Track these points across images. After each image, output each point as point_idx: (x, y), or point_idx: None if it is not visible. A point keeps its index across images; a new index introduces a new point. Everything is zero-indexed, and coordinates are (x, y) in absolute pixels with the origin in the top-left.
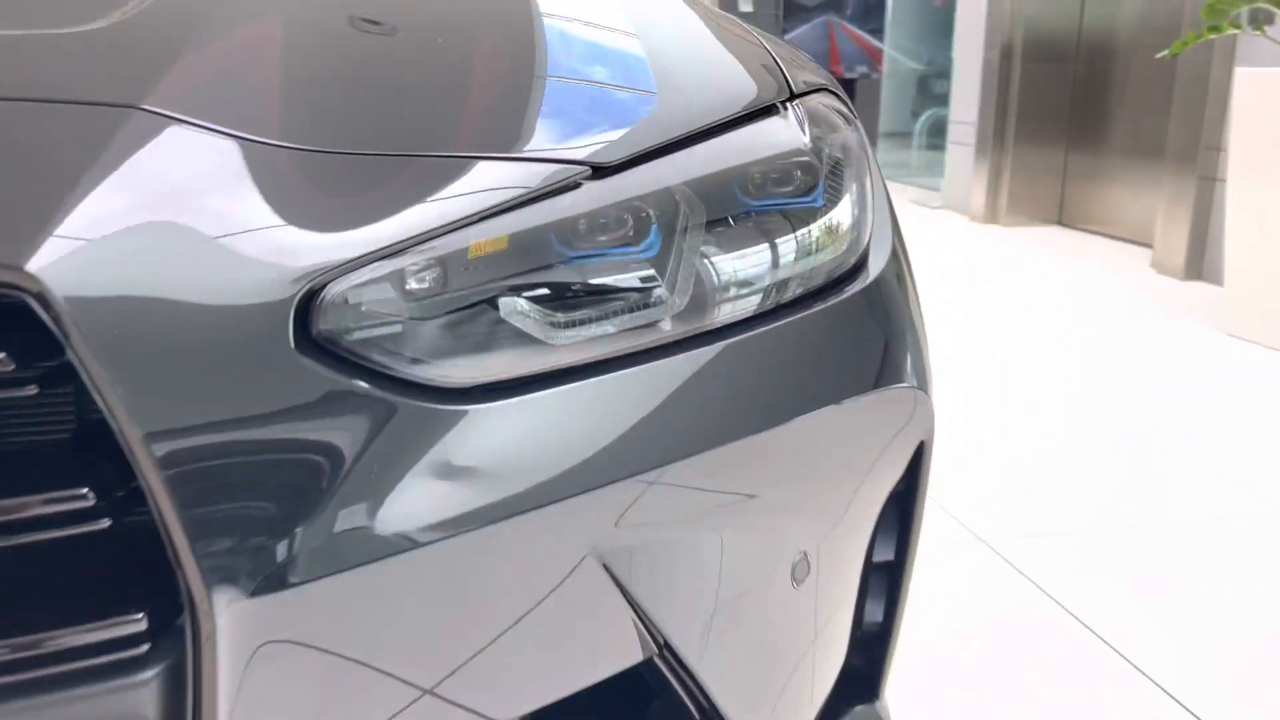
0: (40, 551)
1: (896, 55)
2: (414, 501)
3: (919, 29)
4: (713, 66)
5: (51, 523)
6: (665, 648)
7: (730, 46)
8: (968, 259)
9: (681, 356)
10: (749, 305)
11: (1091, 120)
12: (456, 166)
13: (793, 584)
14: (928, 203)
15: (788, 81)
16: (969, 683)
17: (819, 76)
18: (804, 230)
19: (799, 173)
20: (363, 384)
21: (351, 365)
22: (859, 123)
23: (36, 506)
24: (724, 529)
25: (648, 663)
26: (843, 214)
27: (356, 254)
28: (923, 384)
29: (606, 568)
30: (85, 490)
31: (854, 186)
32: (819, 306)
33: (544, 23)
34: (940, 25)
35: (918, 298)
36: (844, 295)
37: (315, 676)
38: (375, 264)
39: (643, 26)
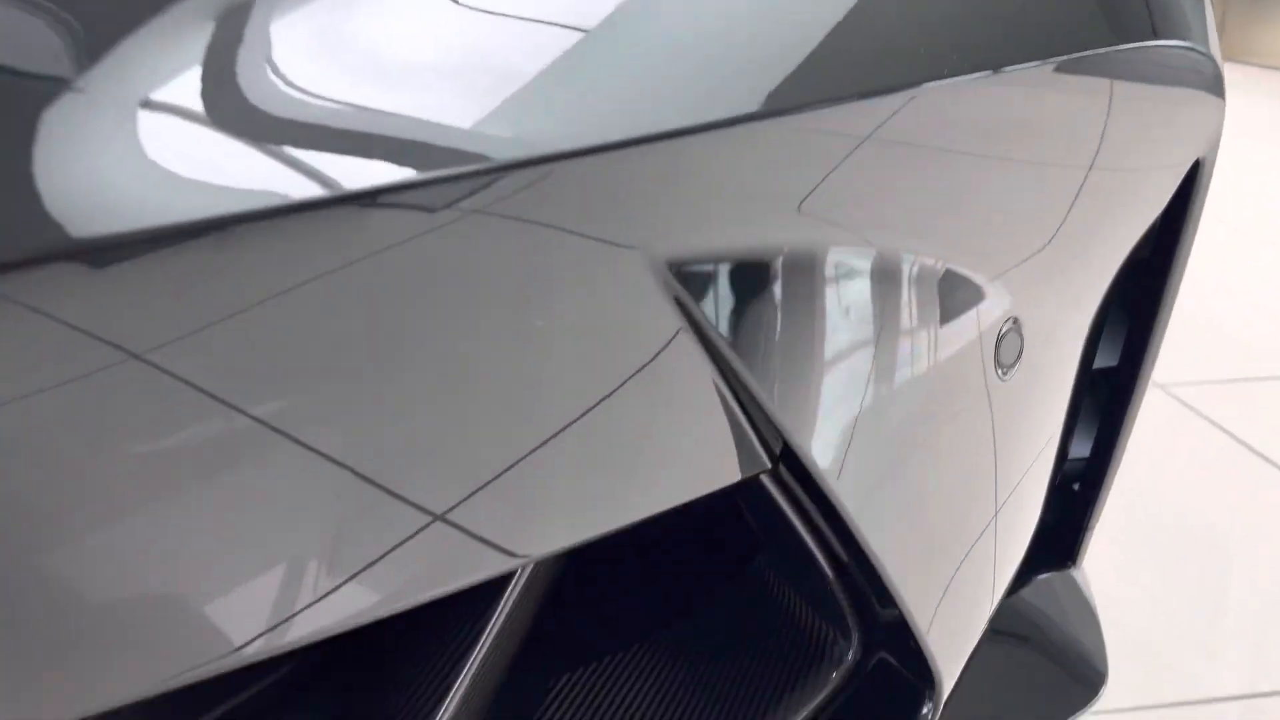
0: None
1: None
2: None
3: None
4: None
5: None
6: (781, 459)
7: None
8: None
9: None
10: None
11: None
12: None
13: (997, 371)
14: None
15: None
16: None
17: None
18: None
19: None
20: None
21: None
22: None
23: None
24: (907, 250)
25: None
26: None
27: None
28: (1209, 50)
29: (678, 300)
30: None
31: None
32: None
33: None
34: None
35: None
36: None
37: None
38: None
39: None
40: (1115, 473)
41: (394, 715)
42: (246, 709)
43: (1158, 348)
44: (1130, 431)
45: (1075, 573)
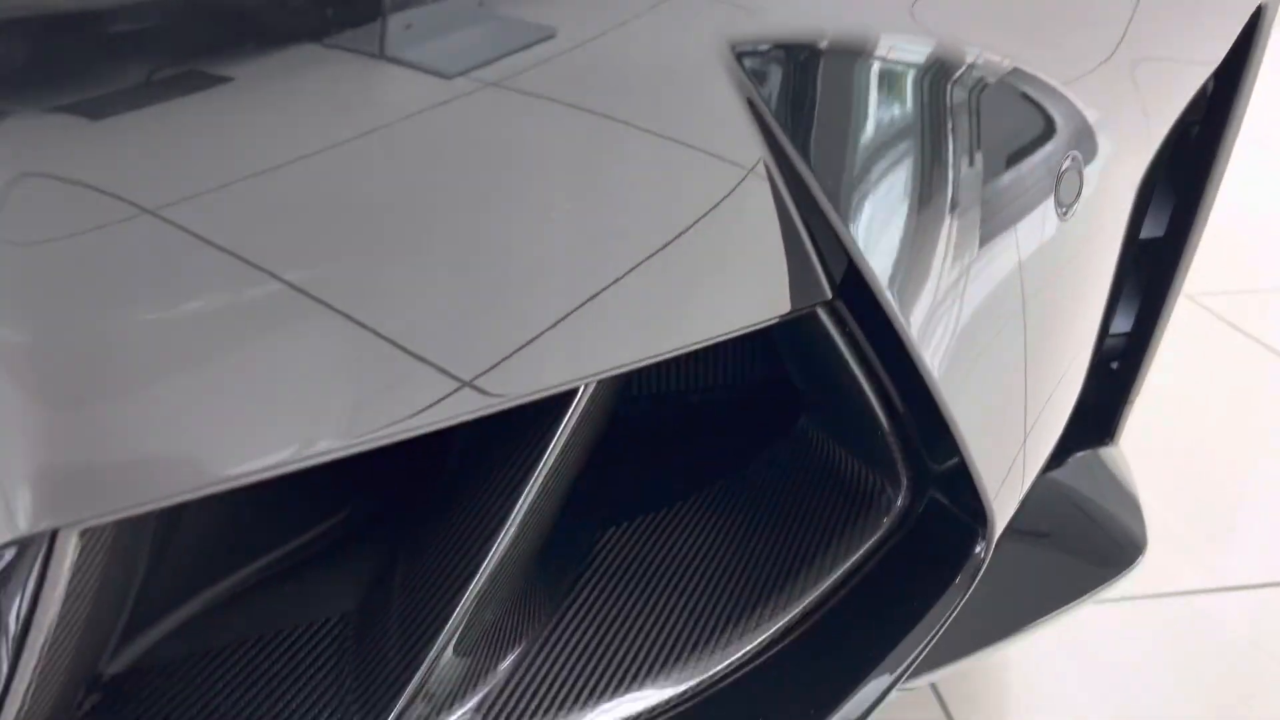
0: None
1: None
2: None
3: None
4: None
5: None
6: (844, 286)
7: None
8: None
9: None
10: None
11: None
12: None
13: (1058, 209)
14: None
15: None
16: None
17: None
18: None
19: None
20: None
21: None
22: None
23: None
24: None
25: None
26: None
27: None
28: None
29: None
30: None
31: None
32: None
33: None
34: None
35: None
36: None
37: None
38: None
39: None
40: (1155, 351)
41: (448, 551)
42: (318, 543)
43: (1205, 218)
44: (1172, 309)
45: (1114, 449)
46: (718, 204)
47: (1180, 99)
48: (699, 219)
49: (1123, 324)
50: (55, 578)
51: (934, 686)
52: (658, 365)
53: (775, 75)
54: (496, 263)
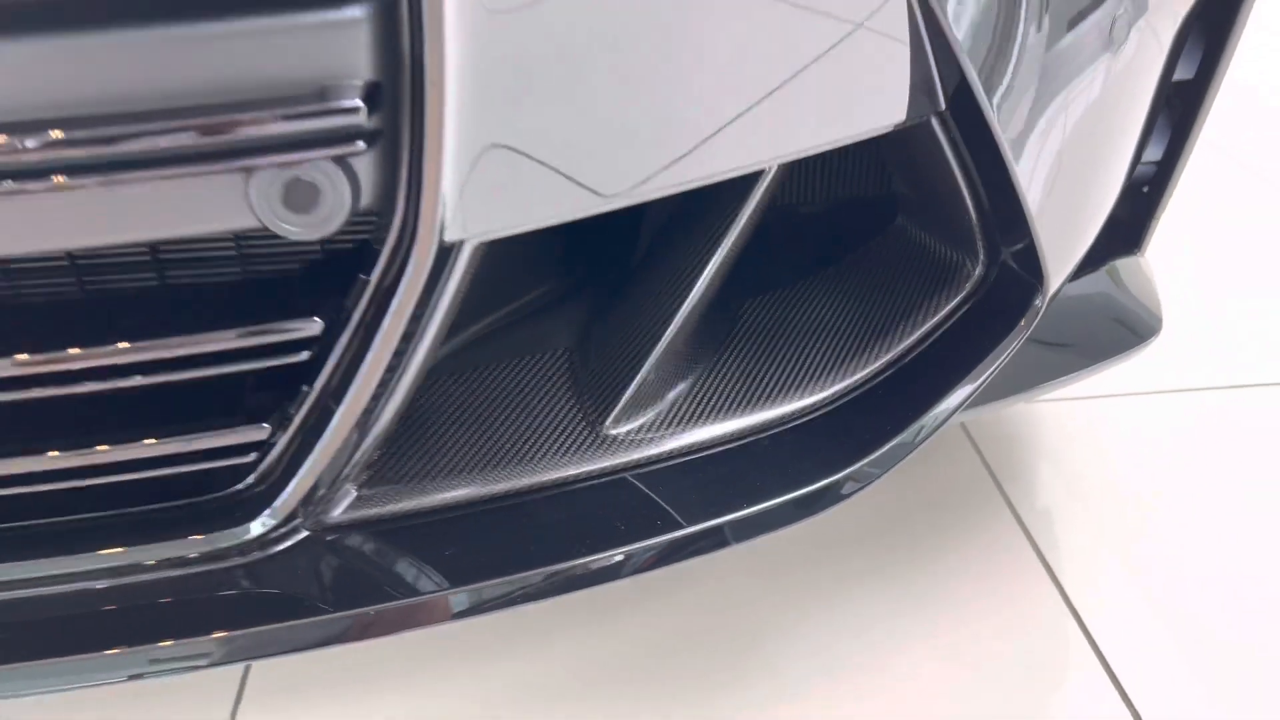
0: None
1: None
2: None
3: None
4: None
5: None
6: (956, 91)
7: None
8: None
9: None
10: None
11: None
12: None
13: (1110, 48)
14: None
15: None
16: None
17: None
18: None
19: None
20: None
21: None
22: None
23: None
24: None
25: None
26: None
27: None
28: None
29: None
30: None
31: None
32: None
33: None
34: None
35: None
36: None
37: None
38: None
39: None
40: (1179, 176)
41: (655, 297)
42: (542, 299)
43: (1228, 66)
44: (1195, 142)
45: (1140, 258)
46: (867, 21)
47: None
48: (849, 35)
49: (1154, 153)
50: (457, 283)
51: (987, 466)
52: (785, 181)
53: None
54: (705, 74)
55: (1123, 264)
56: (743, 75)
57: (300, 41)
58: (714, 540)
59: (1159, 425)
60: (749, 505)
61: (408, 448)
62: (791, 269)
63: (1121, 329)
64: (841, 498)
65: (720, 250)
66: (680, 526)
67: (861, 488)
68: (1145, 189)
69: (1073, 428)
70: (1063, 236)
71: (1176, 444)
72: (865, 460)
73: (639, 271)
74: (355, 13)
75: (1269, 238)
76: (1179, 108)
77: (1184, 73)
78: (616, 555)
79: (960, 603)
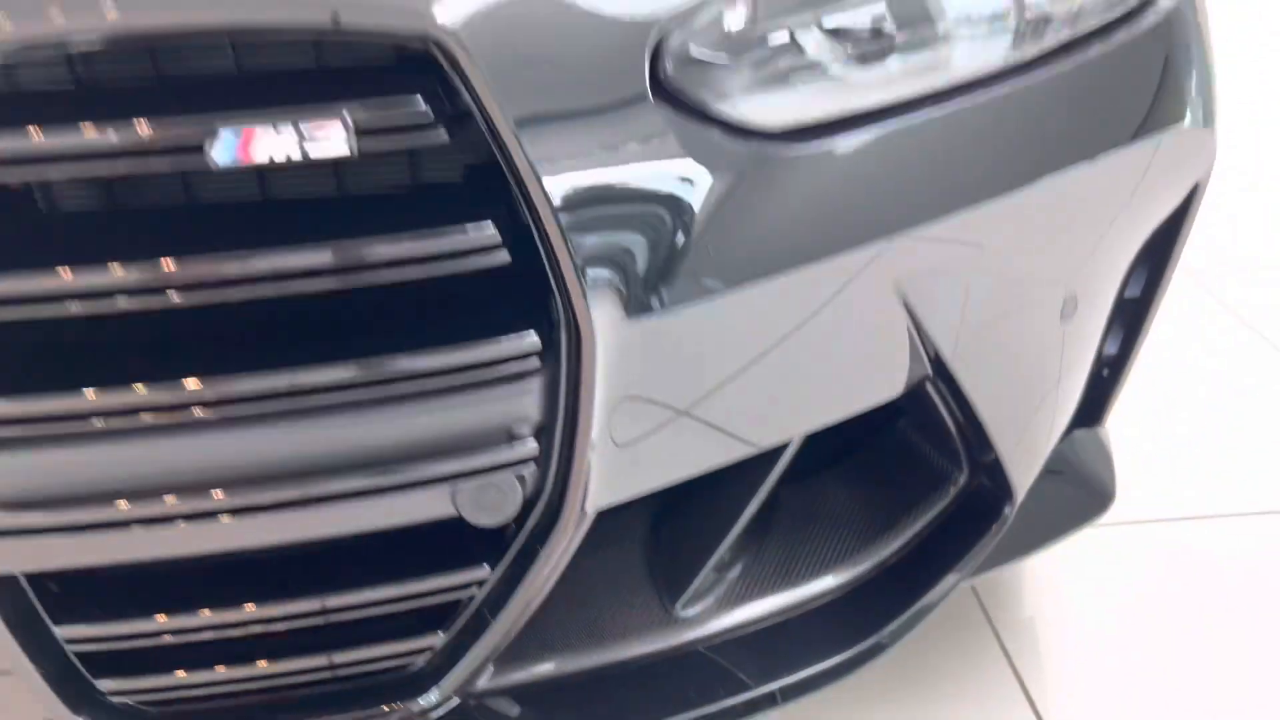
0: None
1: None
2: (753, 241)
3: None
4: None
5: (460, 256)
6: (937, 363)
7: None
8: None
9: (982, 94)
10: (1041, 43)
11: None
12: None
13: (1062, 321)
14: None
15: None
16: None
17: None
18: None
19: None
20: (706, 128)
21: (692, 110)
22: None
23: (450, 236)
24: (1006, 264)
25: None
26: None
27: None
28: (1208, 119)
29: (902, 297)
30: (488, 223)
31: None
32: (1108, 42)
33: None
34: None
35: (1207, 21)
36: (1136, 30)
37: (653, 370)
38: (705, 7)
39: None
40: (1135, 361)
41: (727, 497)
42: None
43: (1170, 280)
44: (1147, 335)
45: (1100, 430)
46: (877, 332)
47: (1145, 235)
48: (865, 342)
49: (1111, 347)
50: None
51: (974, 589)
52: None
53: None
54: (781, 374)
55: (1083, 435)
56: (797, 378)
57: (500, 407)
58: (768, 700)
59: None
60: (798, 670)
61: (527, 630)
62: (815, 452)
63: (1082, 497)
64: (869, 659)
65: (773, 474)
66: (744, 689)
67: (885, 650)
68: (1105, 372)
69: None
70: (1027, 456)
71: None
72: (888, 629)
73: (697, 487)
74: (536, 400)
75: (1210, 361)
76: (1131, 314)
77: (1133, 291)
78: (692, 715)
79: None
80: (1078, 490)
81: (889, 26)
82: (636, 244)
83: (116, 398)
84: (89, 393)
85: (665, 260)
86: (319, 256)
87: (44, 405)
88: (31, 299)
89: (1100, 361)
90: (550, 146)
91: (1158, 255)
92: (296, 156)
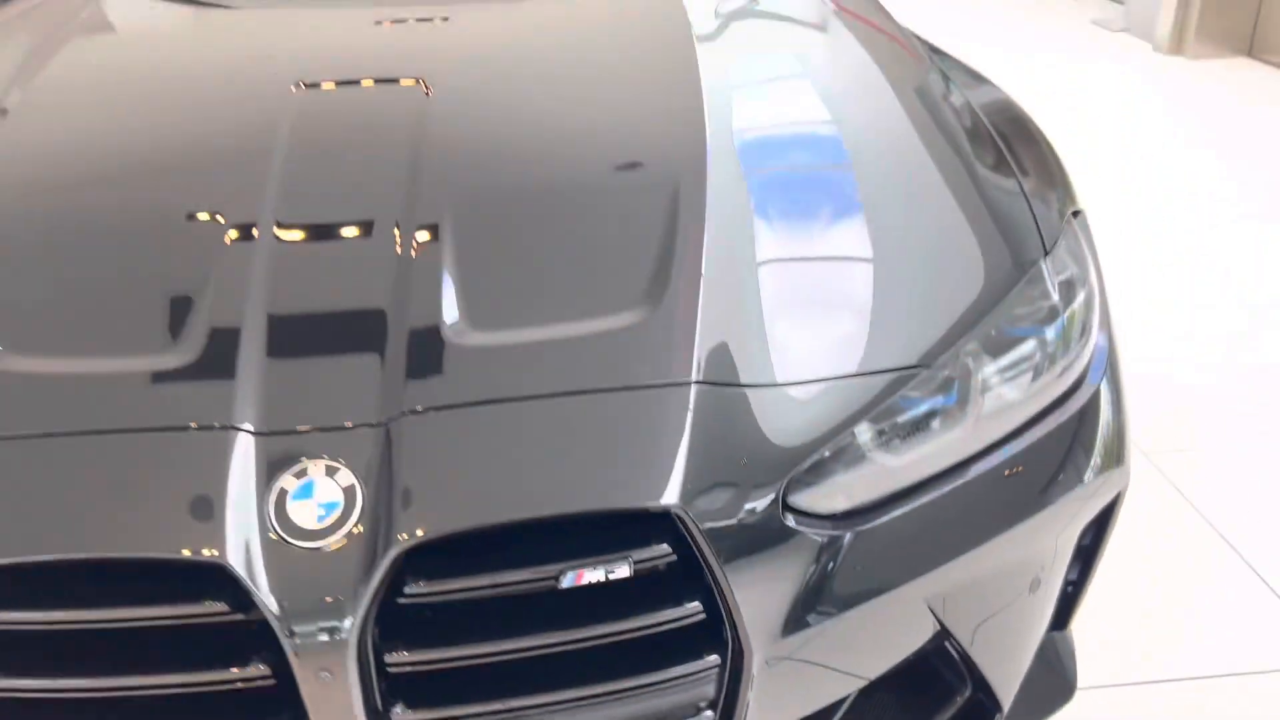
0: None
1: None
2: (830, 591)
3: None
4: (977, 244)
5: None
6: (947, 636)
7: (986, 202)
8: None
9: (990, 461)
10: (1015, 420)
11: None
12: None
13: (1029, 594)
14: (1109, 25)
15: (1041, 239)
16: None
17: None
18: (1046, 356)
19: (1045, 312)
20: (804, 529)
21: (798, 514)
22: (1092, 251)
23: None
24: (995, 573)
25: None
26: (1075, 340)
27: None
28: (1123, 457)
29: (930, 607)
30: (697, 604)
31: (1084, 309)
32: (1058, 417)
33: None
34: None
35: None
36: (1072, 406)
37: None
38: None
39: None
40: (1092, 578)
41: None
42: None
43: (1100, 562)
44: (1099, 561)
45: (1065, 633)
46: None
47: (1086, 521)
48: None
49: (1072, 574)
50: None
51: None
52: None
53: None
54: None
55: (1050, 637)
56: (863, 656)
57: (694, 692)
58: None
59: None
60: None
61: None
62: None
63: (1047, 692)
64: None
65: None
66: None
67: None
68: (1069, 588)
69: None
70: (1009, 680)
71: None
72: None
73: None
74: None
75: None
76: (1084, 555)
77: (1084, 541)
78: None
79: None
80: (1044, 683)
81: None
82: (776, 596)
83: None
84: None
85: (795, 603)
86: (590, 631)
87: None
88: None
89: (1065, 582)
90: (726, 546)
91: (1102, 521)
92: (602, 579)
